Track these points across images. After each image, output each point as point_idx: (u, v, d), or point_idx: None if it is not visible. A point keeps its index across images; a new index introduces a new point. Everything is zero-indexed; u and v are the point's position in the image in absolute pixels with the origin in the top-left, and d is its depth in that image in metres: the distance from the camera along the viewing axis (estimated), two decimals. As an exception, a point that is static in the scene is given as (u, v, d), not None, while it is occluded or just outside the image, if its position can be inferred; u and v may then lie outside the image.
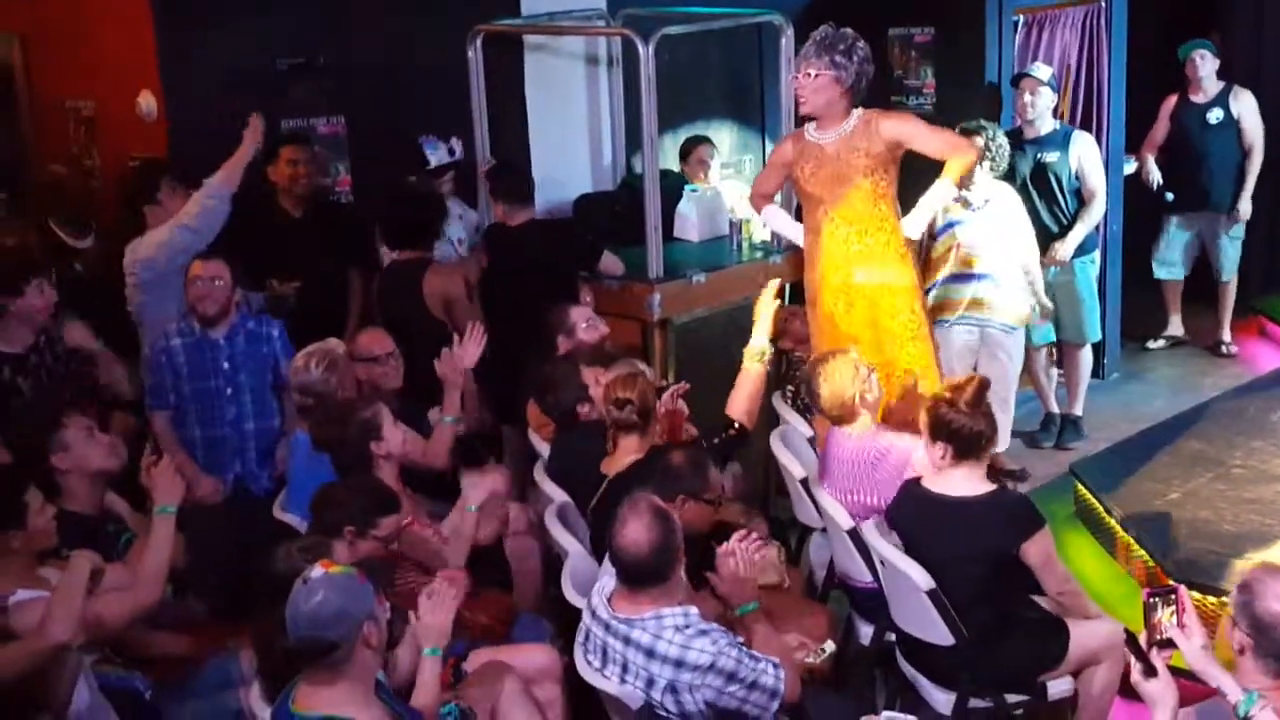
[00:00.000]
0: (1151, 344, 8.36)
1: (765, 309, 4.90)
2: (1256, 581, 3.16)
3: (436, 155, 6.05)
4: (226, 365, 5.22)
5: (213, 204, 5.44)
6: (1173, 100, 8.01)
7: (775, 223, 5.70)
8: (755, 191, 5.66)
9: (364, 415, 4.55)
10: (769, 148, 7.27)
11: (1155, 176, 7.99)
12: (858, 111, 5.07)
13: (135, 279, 5.52)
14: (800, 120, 5.36)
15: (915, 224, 5.23)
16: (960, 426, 4.17)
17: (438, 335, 5.35)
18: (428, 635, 3.72)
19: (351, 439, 4.53)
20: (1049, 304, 6.60)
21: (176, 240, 5.42)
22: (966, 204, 6.31)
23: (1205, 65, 7.83)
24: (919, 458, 4.46)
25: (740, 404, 4.73)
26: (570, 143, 6.70)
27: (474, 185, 6.30)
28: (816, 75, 4.99)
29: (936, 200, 5.23)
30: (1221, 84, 7.92)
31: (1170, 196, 8.01)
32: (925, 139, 5.10)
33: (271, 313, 5.58)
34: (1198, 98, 7.92)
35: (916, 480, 4.38)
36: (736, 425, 4.67)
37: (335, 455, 4.59)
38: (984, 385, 4.24)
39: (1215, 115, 7.87)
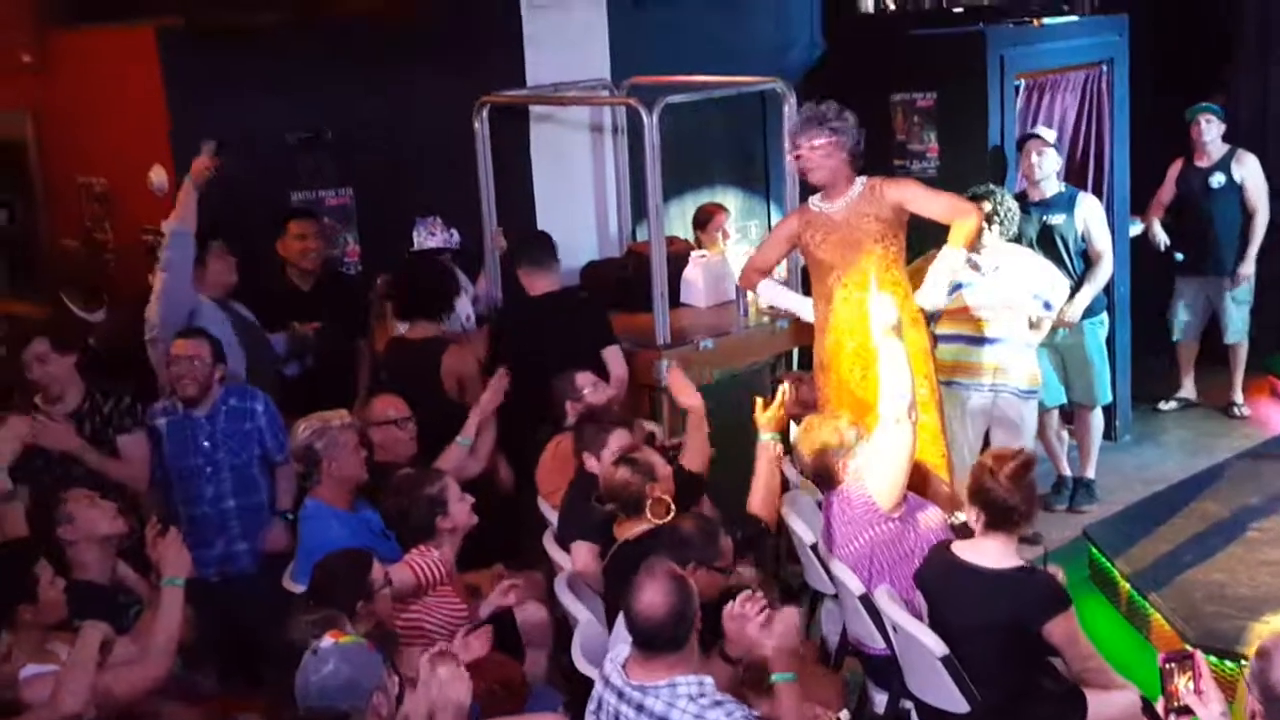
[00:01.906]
0: (1163, 405, 8.34)
1: (775, 410, 4.88)
2: (1275, 649, 3.13)
3: (420, 237, 6.01)
4: (206, 444, 5.17)
5: (174, 250, 5.37)
6: (1179, 164, 8.05)
7: (772, 297, 5.68)
8: (750, 267, 5.61)
9: (431, 490, 4.56)
10: (774, 213, 7.34)
11: (1161, 239, 8.02)
12: (861, 179, 5.13)
13: (151, 344, 5.51)
14: (805, 191, 5.41)
15: (928, 295, 5.25)
16: (996, 497, 4.13)
17: (448, 412, 5.36)
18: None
19: (418, 512, 4.54)
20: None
21: (162, 299, 5.41)
22: (976, 267, 6.34)
23: (1210, 129, 7.88)
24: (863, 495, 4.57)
25: (758, 501, 4.76)
26: (576, 210, 6.75)
27: (478, 260, 6.30)
28: (819, 144, 5.07)
29: (946, 268, 5.25)
30: (1226, 148, 7.96)
31: (1180, 257, 8.02)
32: (929, 202, 5.18)
33: (294, 354, 5.59)
34: (1201, 162, 7.96)
35: (947, 544, 4.36)
36: (763, 525, 4.69)
37: (400, 527, 4.60)
38: (1028, 463, 4.20)
39: (1217, 180, 7.91)
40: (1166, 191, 8.07)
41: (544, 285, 5.80)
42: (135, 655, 4.04)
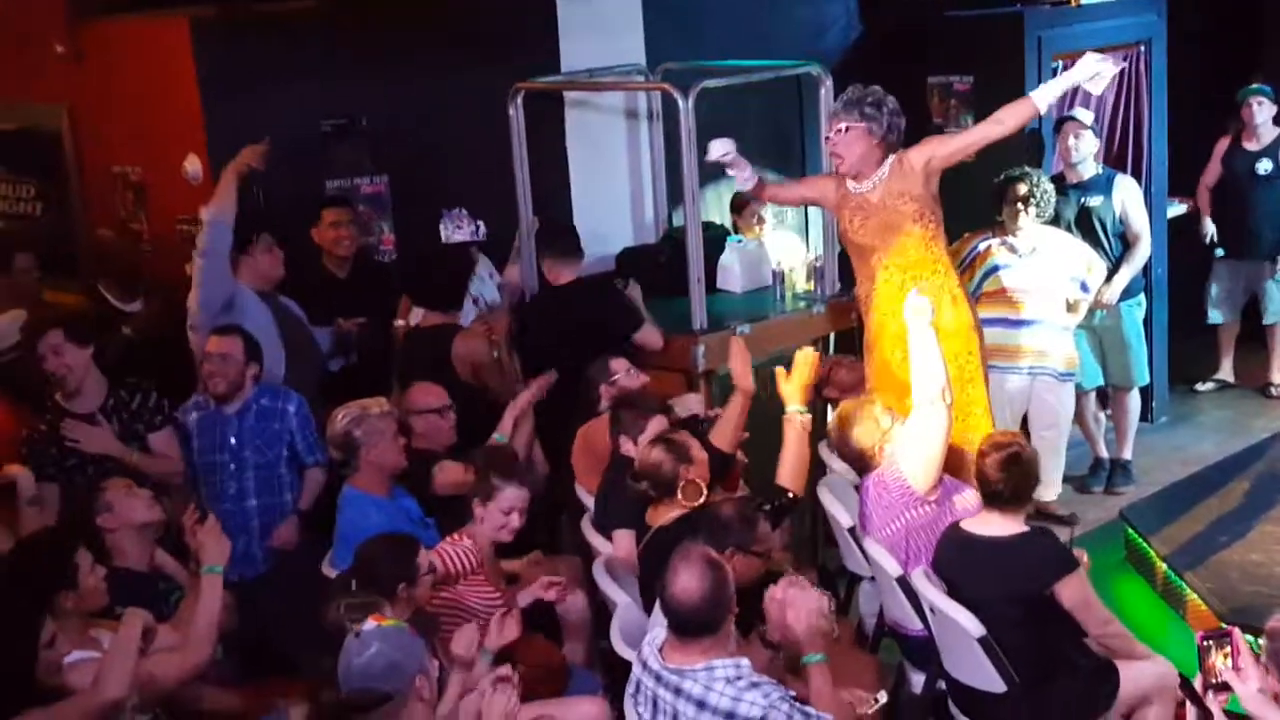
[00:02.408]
0: (1200, 387, 8.29)
1: (799, 378, 4.84)
2: None
3: (446, 231, 6.00)
4: (233, 440, 5.19)
5: (212, 235, 5.37)
6: (1225, 142, 7.97)
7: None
8: (785, 189, 5.61)
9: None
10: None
11: (1209, 230, 7.93)
12: (890, 158, 5.08)
13: (193, 331, 5.52)
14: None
15: (1042, 94, 5.14)
16: (984, 478, 4.29)
17: (463, 397, 5.37)
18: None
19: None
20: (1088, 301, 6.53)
21: (200, 285, 5.42)
22: (1013, 250, 6.31)
23: (1262, 111, 7.79)
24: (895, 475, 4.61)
25: (788, 472, 4.73)
26: (612, 197, 6.75)
27: (506, 248, 6.30)
28: (849, 129, 5.01)
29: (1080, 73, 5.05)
30: (1277, 131, 7.85)
31: (1220, 253, 7.96)
32: (954, 142, 5.17)
33: (339, 350, 5.62)
34: (1250, 144, 7.88)
35: (956, 524, 4.42)
36: (791, 495, 4.67)
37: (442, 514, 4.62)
38: (1014, 457, 4.27)
39: (1265, 166, 7.82)
40: (1212, 173, 7.99)
41: (568, 275, 5.81)
42: (176, 642, 4.08)
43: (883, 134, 5.02)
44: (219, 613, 4.12)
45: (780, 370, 4.86)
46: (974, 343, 5.16)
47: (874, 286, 5.16)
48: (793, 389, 4.81)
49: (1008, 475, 4.24)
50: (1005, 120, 5.16)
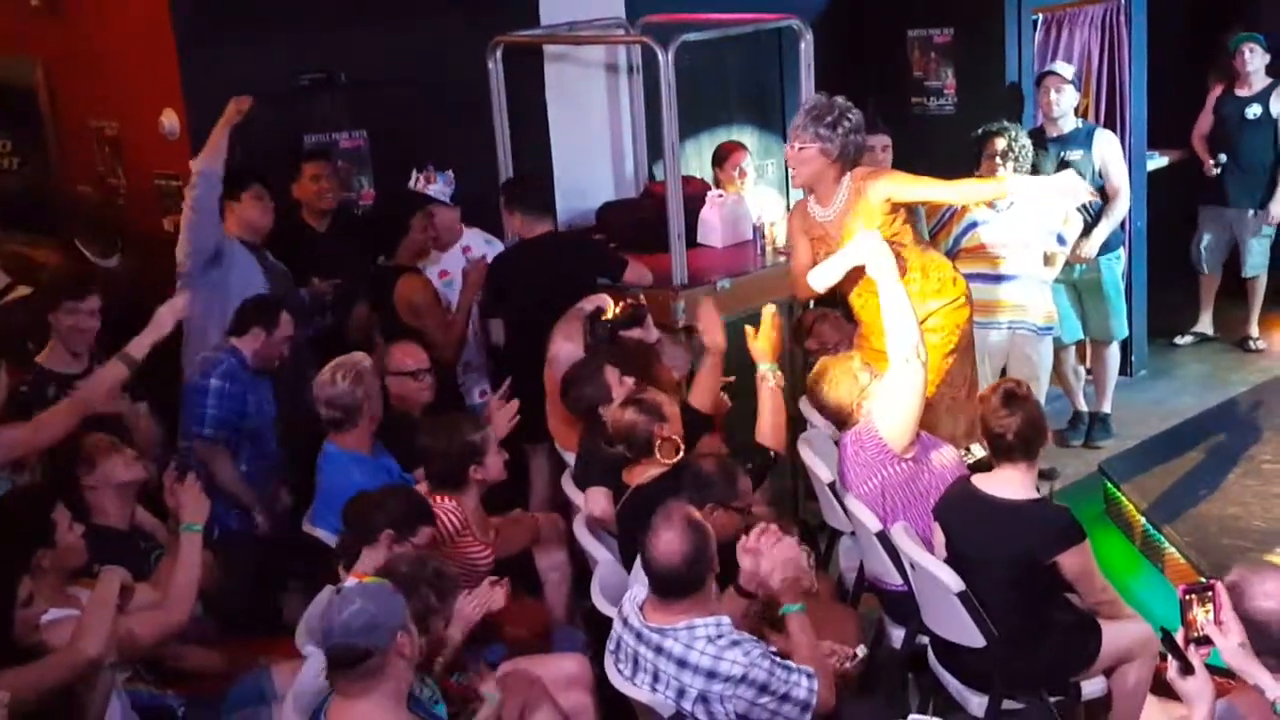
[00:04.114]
0: (1180, 340, 8.32)
1: (765, 335, 4.83)
2: (1243, 581, 3.16)
3: (414, 183, 5.96)
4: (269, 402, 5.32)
5: (199, 188, 5.38)
6: (1218, 90, 7.99)
7: (823, 279, 5.14)
8: (798, 275, 5.25)
9: (473, 437, 4.58)
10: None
11: (1210, 165, 7.91)
12: (847, 178, 5.02)
13: (182, 282, 5.49)
14: None
15: (817, 276, 5.07)
16: (988, 425, 4.21)
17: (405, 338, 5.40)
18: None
19: (455, 455, 4.56)
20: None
21: (188, 234, 5.42)
22: (991, 205, 6.30)
23: (1255, 59, 7.81)
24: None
25: (766, 430, 4.74)
26: (592, 151, 6.71)
27: (487, 202, 6.27)
28: (801, 149, 4.96)
29: (852, 256, 4.93)
30: (1268, 80, 7.87)
31: (1217, 169, 7.89)
32: (912, 191, 5.03)
33: (313, 310, 5.65)
34: (1242, 90, 7.90)
35: (968, 477, 4.40)
36: (772, 454, 4.67)
37: (433, 465, 4.62)
38: (1010, 395, 4.20)
39: (1253, 111, 7.85)
40: (1206, 120, 8.02)
41: (541, 228, 5.79)
42: (156, 601, 4.08)
43: (837, 154, 4.96)
44: (199, 571, 4.11)
45: (749, 329, 4.87)
46: (959, 314, 5.14)
47: (854, 309, 5.18)
48: (761, 347, 4.81)
49: (1008, 413, 4.14)
50: (968, 194, 5.31)
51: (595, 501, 4.66)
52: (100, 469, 4.45)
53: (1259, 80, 7.86)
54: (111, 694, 3.73)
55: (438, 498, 4.53)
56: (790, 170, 5.10)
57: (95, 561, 4.06)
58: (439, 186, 5.91)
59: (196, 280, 5.42)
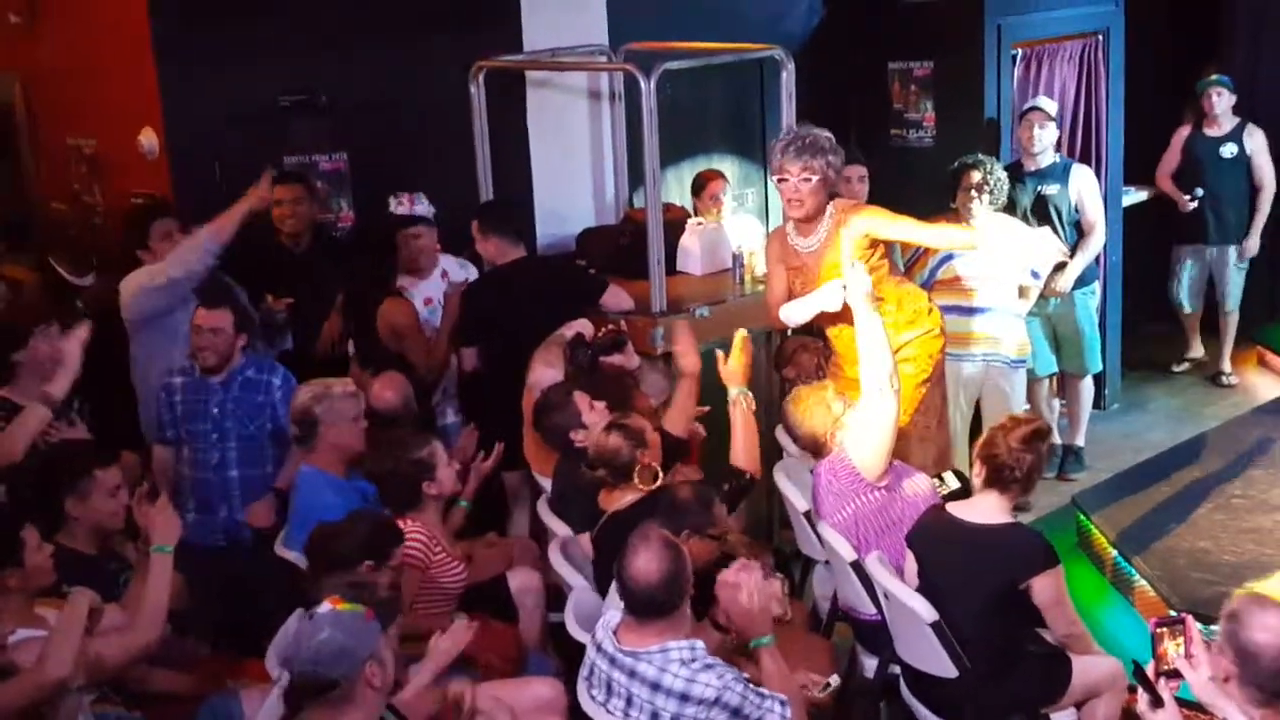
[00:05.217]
0: (1176, 368, 8.46)
1: (736, 360, 4.83)
2: (1244, 611, 3.18)
3: (393, 206, 5.96)
4: (216, 411, 5.20)
5: (193, 259, 5.38)
6: (1185, 131, 8.07)
7: (797, 315, 5.23)
8: (774, 305, 5.32)
9: (420, 454, 4.56)
10: (770, 182, 7.30)
11: (1186, 202, 7.98)
12: (830, 208, 5.05)
13: (127, 321, 5.51)
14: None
15: (792, 312, 5.13)
16: (998, 454, 4.19)
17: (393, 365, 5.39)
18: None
19: (404, 474, 4.53)
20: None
21: (144, 298, 5.41)
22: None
23: (1222, 101, 7.92)
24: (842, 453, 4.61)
25: (740, 452, 4.74)
26: (573, 177, 6.72)
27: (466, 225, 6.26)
28: (807, 179, 4.96)
29: (825, 298, 5.01)
30: (1236, 120, 7.99)
31: (1200, 191, 7.97)
32: (892, 230, 5.08)
33: (266, 328, 5.63)
34: (1212, 130, 7.99)
35: (941, 505, 4.41)
36: (748, 476, 4.68)
37: (385, 489, 4.59)
38: (1039, 432, 4.23)
39: (1229, 150, 7.96)
40: (1172, 158, 8.10)
41: (515, 254, 5.78)
42: (124, 622, 4.04)
43: (834, 179, 5.02)
44: (168, 592, 4.08)
45: (719, 353, 4.88)
46: (932, 346, 5.20)
47: (829, 338, 5.19)
48: (732, 371, 4.82)
49: (1026, 453, 4.15)
50: (942, 239, 5.41)
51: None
52: (90, 505, 4.37)
53: (1228, 121, 7.97)
54: (78, 716, 3.69)
55: (403, 522, 4.49)
56: (791, 203, 5.06)
57: (64, 582, 4.02)
58: (423, 208, 5.92)
59: (140, 325, 5.40)
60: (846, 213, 5.03)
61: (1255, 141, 7.97)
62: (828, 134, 5.04)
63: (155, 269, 5.46)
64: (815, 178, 4.97)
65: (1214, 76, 7.98)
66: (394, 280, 5.85)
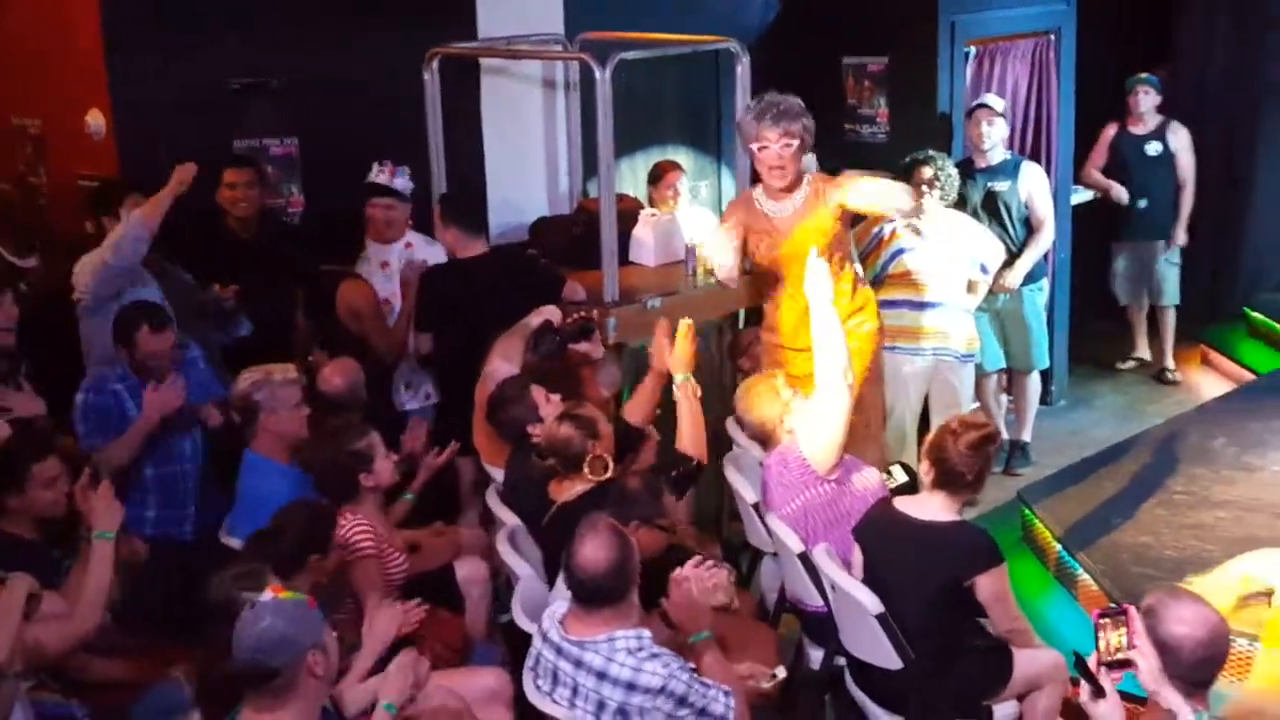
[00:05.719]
0: (1121, 365, 8.56)
1: (681, 348, 4.85)
2: (1159, 605, 3.20)
3: (373, 174, 5.93)
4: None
5: (127, 243, 5.27)
6: (1112, 129, 8.18)
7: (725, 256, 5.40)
8: (721, 263, 5.42)
9: (357, 445, 4.51)
10: (725, 174, 7.32)
11: (1119, 191, 8.10)
12: (806, 178, 5.07)
13: (80, 304, 5.43)
14: (754, 179, 5.37)
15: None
16: (948, 459, 4.19)
17: (351, 346, 5.40)
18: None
19: (342, 466, 4.49)
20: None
21: (99, 275, 5.31)
22: (917, 231, 6.37)
23: (1147, 100, 8.07)
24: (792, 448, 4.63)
25: (687, 439, 4.76)
26: (526, 166, 6.70)
27: (420, 213, 6.23)
28: (787, 145, 4.99)
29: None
30: (1160, 118, 8.13)
31: (1144, 203, 8.12)
32: (862, 197, 5.16)
33: (216, 316, 5.58)
34: (1137, 129, 8.13)
35: (889, 500, 4.43)
36: (695, 462, 4.68)
37: (322, 481, 4.54)
38: (989, 438, 4.26)
39: (1154, 148, 8.10)
40: (1099, 154, 8.23)
41: (476, 248, 5.74)
42: (64, 610, 3.99)
43: (810, 142, 5.05)
44: (109, 580, 4.03)
45: (664, 341, 4.91)
46: (873, 342, 5.29)
47: (777, 310, 5.20)
48: (678, 359, 4.83)
49: (976, 458, 4.18)
50: (891, 193, 5.33)
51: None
52: (27, 496, 4.31)
53: (1152, 119, 8.12)
54: (14, 703, 3.64)
55: (344, 516, 4.44)
56: (774, 170, 5.09)
57: (2, 567, 3.97)
58: (401, 182, 5.88)
59: (93, 310, 5.33)
60: (825, 184, 5.07)
61: (1179, 140, 8.12)
62: (798, 99, 5.07)
63: (97, 254, 5.37)
64: (795, 143, 5.01)
65: (1142, 75, 8.13)
66: (354, 257, 5.82)
